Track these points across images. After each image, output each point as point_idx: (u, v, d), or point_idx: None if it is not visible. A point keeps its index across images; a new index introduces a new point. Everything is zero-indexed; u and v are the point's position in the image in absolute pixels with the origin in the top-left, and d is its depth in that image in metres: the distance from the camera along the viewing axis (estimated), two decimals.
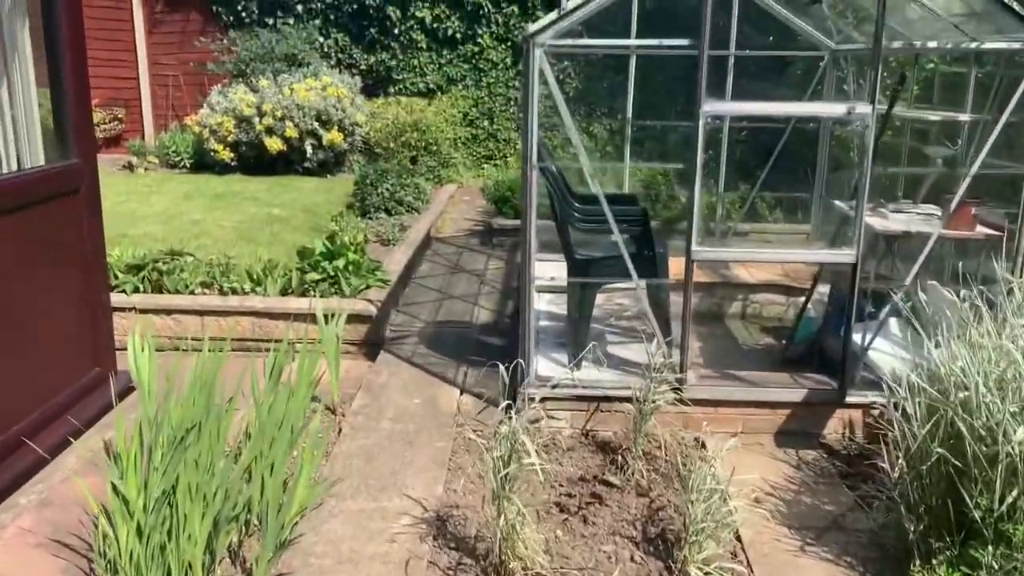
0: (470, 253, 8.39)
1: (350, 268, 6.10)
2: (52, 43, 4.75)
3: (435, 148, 11.81)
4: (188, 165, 12.14)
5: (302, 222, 8.70)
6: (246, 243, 7.64)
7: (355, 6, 12.56)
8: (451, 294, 6.95)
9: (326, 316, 4.94)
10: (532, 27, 4.18)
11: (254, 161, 11.56)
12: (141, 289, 5.93)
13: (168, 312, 5.80)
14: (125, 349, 4.07)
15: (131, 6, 12.78)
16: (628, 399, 4.36)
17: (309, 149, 11.26)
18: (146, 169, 12.04)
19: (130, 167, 12.06)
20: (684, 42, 4.21)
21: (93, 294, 4.75)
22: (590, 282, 4.69)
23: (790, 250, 6.34)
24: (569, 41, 4.27)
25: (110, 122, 13.07)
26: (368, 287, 6.08)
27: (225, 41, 12.07)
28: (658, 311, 4.58)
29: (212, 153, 11.43)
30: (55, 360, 4.29)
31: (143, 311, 5.78)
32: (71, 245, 4.61)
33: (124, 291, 5.87)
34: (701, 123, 4.15)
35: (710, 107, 4.15)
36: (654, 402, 4.12)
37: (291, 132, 11.05)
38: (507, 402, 3.74)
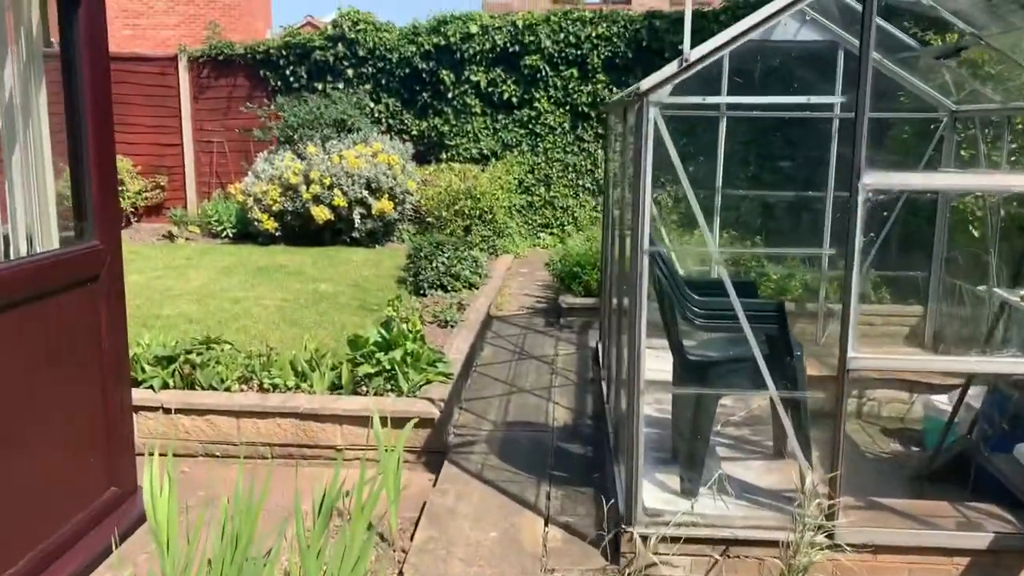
0: (535, 335, 7.55)
1: (408, 360, 5.29)
2: (72, 107, 4.09)
3: (490, 217, 11.11)
4: (230, 235, 11.58)
5: (351, 299, 7.96)
6: (290, 326, 6.90)
7: (407, 70, 12.06)
8: (520, 386, 6.09)
9: (382, 419, 4.12)
10: (645, 82, 3.41)
11: (299, 231, 10.96)
12: (171, 385, 5.17)
13: (200, 413, 5.01)
14: (152, 454, 3.28)
15: (177, 71, 12.43)
16: (765, 543, 3.45)
17: (358, 218, 10.63)
18: (187, 239, 11.50)
19: (170, 237, 11.53)
20: (837, 99, 3.40)
21: (112, 399, 3.99)
22: (711, 392, 3.80)
23: (971, 358, 5.27)
24: (694, 99, 3.48)
25: (152, 190, 12.62)
26: (428, 382, 5.26)
27: (272, 107, 11.61)
28: (799, 431, 3.67)
29: (256, 223, 10.85)
30: (62, 482, 3.52)
31: (172, 411, 5.01)
32: (88, 342, 3.87)
33: (151, 387, 5.12)
34: (860, 198, 3.31)
35: (872, 179, 3.30)
36: (807, 554, 3.20)
37: (339, 200, 10.44)
38: (607, 538, 2.84)
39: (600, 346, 6.58)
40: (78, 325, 3.83)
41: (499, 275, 9.42)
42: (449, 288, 8.41)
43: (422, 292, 8.39)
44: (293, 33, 12.15)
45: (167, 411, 5.02)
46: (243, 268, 9.24)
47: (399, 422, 4.86)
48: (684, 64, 3.34)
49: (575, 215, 12.17)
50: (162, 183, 12.72)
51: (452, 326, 7.08)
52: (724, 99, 3.89)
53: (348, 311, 7.55)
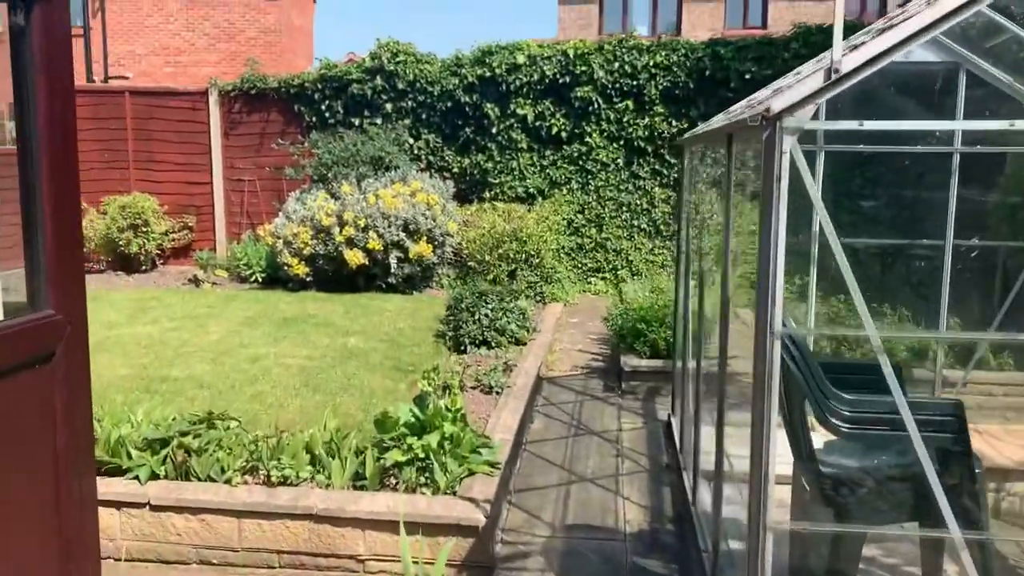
0: (593, 403, 6.56)
1: (446, 447, 4.34)
2: (24, 142, 3.23)
3: (537, 261, 10.18)
4: (260, 279, 10.80)
5: (383, 357, 7.06)
6: (312, 391, 6.00)
7: (448, 104, 11.28)
8: (580, 473, 5.10)
9: (414, 525, 3.16)
10: (777, 102, 2.45)
11: (332, 275, 10.14)
12: (161, 474, 4.27)
13: (194, 511, 4.11)
14: (132, 560, 2.34)
15: (208, 106, 11.81)
16: None
17: (394, 263, 9.78)
18: (213, 284, 10.75)
19: (196, 282, 10.79)
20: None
21: (68, 499, 3.09)
22: (858, 531, 2.78)
23: None
24: (845, 124, 2.52)
25: (179, 231, 11.95)
26: (471, 473, 4.30)
27: (305, 143, 10.88)
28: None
29: (286, 268, 10.06)
30: None
31: (159, 508, 4.11)
32: (37, 433, 2.97)
33: (137, 477, 4.22)
34: None
35: None
36: None
37: (374, 244, 9.61)
38: None
39: (675, 421, 5.56)
40: (24, 414, 2.95)
41: (548, 327, 8.46)
42: (493, 344, 7.47)
43: (463, 349, 7.47)
44: (329, 66, 11.46)
45: (155, 508, 4.13)
46: (268, 319, 8.41)
47: (434, 529, 3.90)
48: (834, 76, 2.37)
49: (630, 259, 11.19)
50: (190, 223, 12.05)
51: (498, 393, 6.12)
52: (907, 124, 2.79)
53: (379, 372, 6.63)
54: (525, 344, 7.68)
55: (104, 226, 11.22)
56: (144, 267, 11.62)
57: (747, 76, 10.55)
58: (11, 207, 3.28)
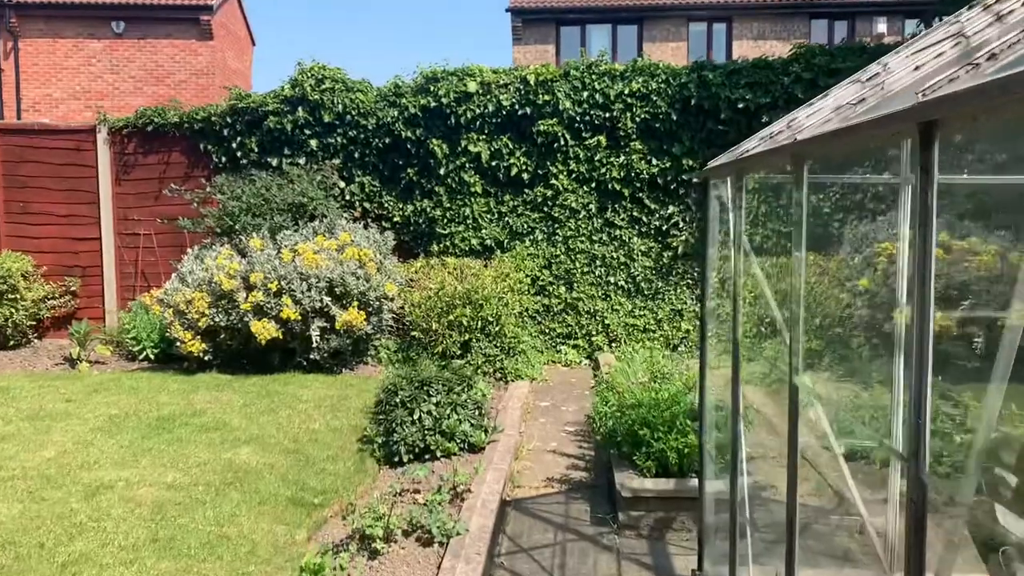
0: (580, 544, 4.57)
1: None
2: None
3: (496, 329, 8.25)
4: (152, 356, 8.69)
5: (281, 481, 5.02)
6: (159, 554, 3.95)
7: (386, 140, 9.40)
8: None
9: None
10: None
11: (238, 352, 8.08)
12: None
13: None
14: None
15: (95, 146, 9.76)
16: None
17: (316, 335, 7.75)
18: (93, 364, 8.59)
19: (71, 362, 8.63)
20: None
21: None
22: None
23: None
24: None
25: (60, 296, 9.78)
26: None
27: (209, 188, 8.87)
28: None
29: (179, 344, 7.97)
30: None
31: None
32: None
33: None
34: None
35: None
36: None
37: (289, 312, 7.59)
38: None
39: None
40: None
41: (513, 420, 6.50)
42: (439, 453, 5.49)
43: (397, 460, 5.47)
44: (240, 96, 9.51)
45: None
46: (138, 418, 6.30)
47: None
48: None
49: (606, 322, 9.31)
50: (73, 288, 9.89)
51: (442, 543, 4.13)
52: None
53: (271, 509, 4.59)
54: (482, 449, 5.70)
55: None
56: (13, 342, 9.41)
57: (740, 105, 8.88)
58: None
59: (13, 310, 9.21)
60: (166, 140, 9.78)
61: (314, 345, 7.84)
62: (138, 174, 9.84)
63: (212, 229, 8.68)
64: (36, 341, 9.78)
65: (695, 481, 4.67)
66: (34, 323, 9.64)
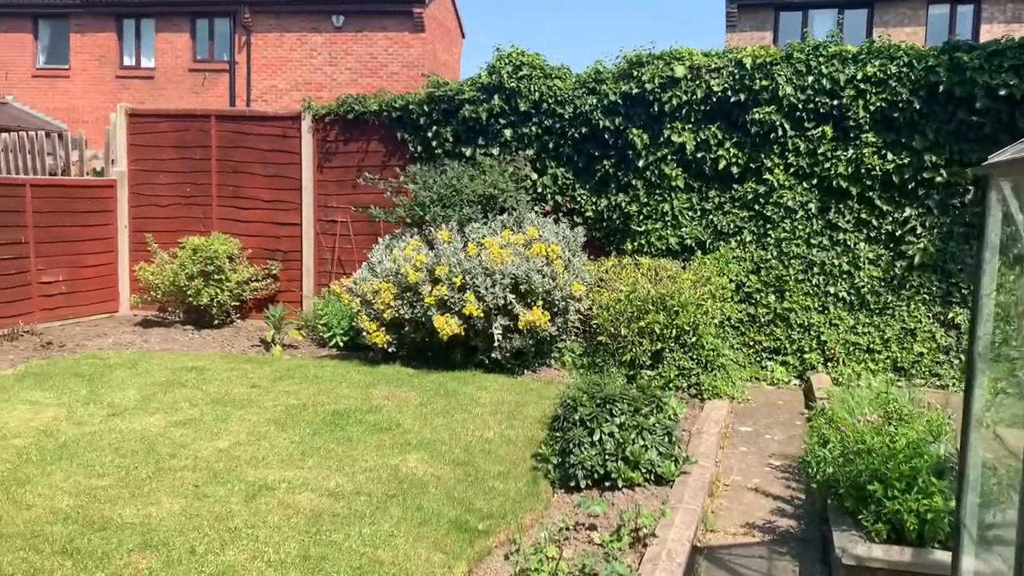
0: None
1: None
2: None
3: (692, 339, 7.46)
4: (341, 344, 8.66)
5: (446, 497, 4.58)
6: (310, 575, 3.61)
7: (583, 130, 8.82)
8: None
9: None
10: None
11: (421, 345, 7.84)
12: None
13: None
14: None
15: (300, 133, 9.93)
16: None
17: (498, 333, 7.34)
18: (285, 348, 8.70)
19: (265, 345, 8.79)
20: None
21: None
22: None
23: None
24: None
25: (262, 279, 10.06)
26: None
27: (403, 177, 8.72)
28: None
29: (365, 334, 7.85)
30: None
31: None
32: None
33: None
34: None
35: None
36: None
37: (472, 308, 7.22)
38: None
39: None
40: None
41: (709, 448, 5.73)
42: (620, 482, 4.85)
43: (573, 484, 4.90)
44: (438, 84, 9.30)
45: None
46: (313, 412, 6.14)
47: None
48: None
49: (822, 338, 8.22)
50: (274, 271, 10.15)
51: None
52: None
53: (431, 529, 4.16)
54: (671, 482, 4.99)
55: (172, 272, 9.47)
56: (217, 321, 9.79)
57: (1001, 92, 7.47)
58: None
59: (219, 290, 9.55)
60: (365, 128, 9.76)
61: (496, 344, 7.44)
62: (338, 162, 9.90)
63: (403, 219, 8.51)
64: (238, 321, 10.14)
65: (939, 554, 3.73)
66: (237, 304, 9.98)
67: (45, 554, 3.79)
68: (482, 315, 7.32)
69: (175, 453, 5.17)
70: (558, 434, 5.20)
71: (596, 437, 4.95)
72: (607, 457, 4.91)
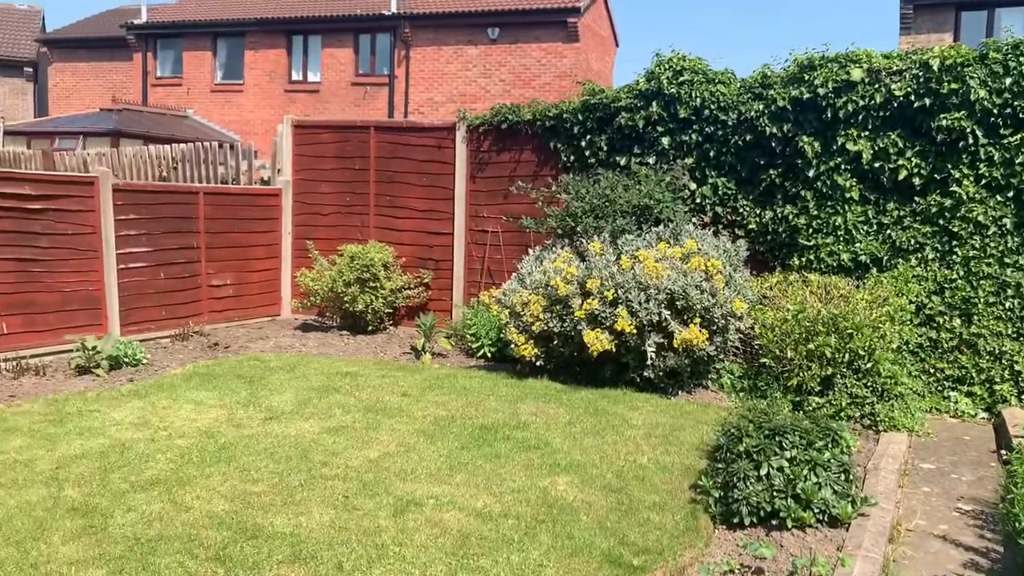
0: None
1: None
2: None
3: (867, 365, 6.84)
4: (488, 355, 8.59)
5: (598, 527, 4.32)
6: None
7: (747, 137, 8.34)
8: None
9: None
10: None
11: (570, 360, 7.62)
12: None
13: None
14: None
15: (454, 144, 9.96)
16: None
17: (651, 351, 7.01)
18: (434, 356, 8.71)
19: (415, 352, 8.83)
20: None
21: None
22: None
23: None
24: None
25: (415, 287, 10.16)
26: None
27: (555, 187, 8.55)
28: None
29: (512, 346, 7.71)
30: None
31: None
32: None
33: None
34: None
35: None
36: None
37: (624, 324, 6.92)
38: None
39: None
40: None
41: (887, 485, 5.18)
42: (789, 522, 4.42)
43: (736, 520, 4.51)
44: (593, 91, 9.07)
45: None
46: (462, 424, 6.04)
47: None
48: None
49: (1015, 367, 7.36)
50: (426, 280, 10.23)
51: None
52: None
53: (582, 562, 3.91)
54: (846, 524, 4.51)
55: (330, 278, 9.72)
56: (371, 328, 9.96)
57: None
58: None
59: (373, 297, 9.71)
60: (518, 138, 9.67)
61: (648, 362, 7.10)
62: (490, 171, 9.86)
63: (554, 230, 8.33)
64: (391, 328, 10.28)
65: None
66: (391, 311, 10.12)
67: (199, 559, 3.83)
68: (634, 331, 7.00)
69: (327, 461, 5.18)
70: (720, 465, 4.82)
71: (763, 471, 4.54)
72: (775, 494, 4.50)
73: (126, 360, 7.94)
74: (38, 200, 8.06)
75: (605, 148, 9.00)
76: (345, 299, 9.70)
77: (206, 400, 6.60)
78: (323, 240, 10.60)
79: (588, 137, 9.09)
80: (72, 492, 4.57)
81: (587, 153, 9.11)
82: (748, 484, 4.53)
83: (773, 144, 8.24)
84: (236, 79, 24.34)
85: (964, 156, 7.55)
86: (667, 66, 8.62)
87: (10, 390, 6.93)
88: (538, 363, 7.69)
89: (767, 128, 8.19)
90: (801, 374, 6.88)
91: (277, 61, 23.85)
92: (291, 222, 10.94)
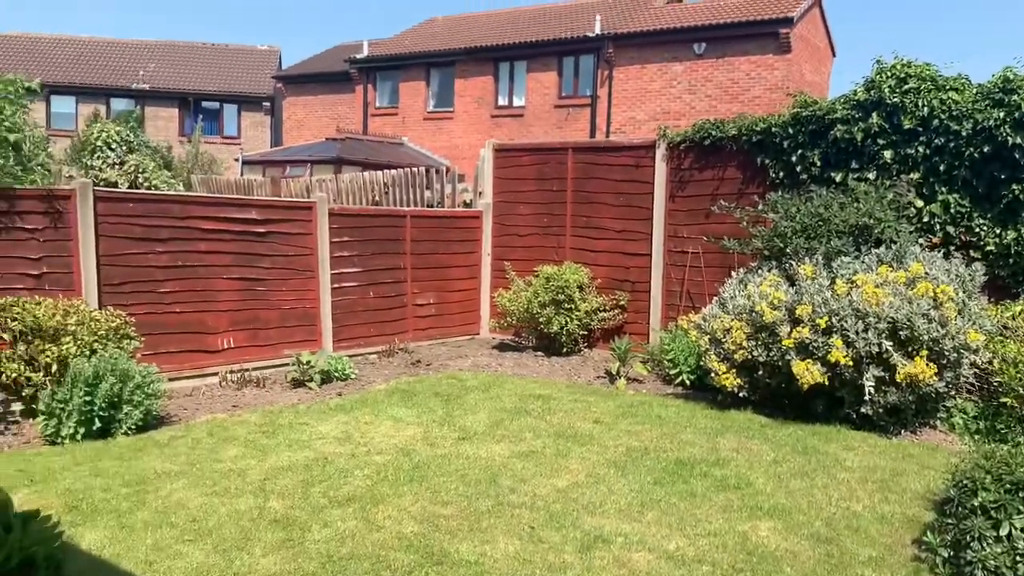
0: None
1: None
2: None
3: None
4: (687, 382, 8.22)
5: None
6: None
7: (984, 149, 7.45)
8: None
9: None
10: None
11: (776, 392, 7.10)
12: None
13: None
14: None
15: (653, 162, 9.69)
16: None
17: (870, 384, 6.36)
18: (629, 382, 8.46)
19: (610, 377, 8.62)
20: None
21: None
22: None
23: None
24: None
25: (610, 309, 9.97)
26: None
27: (761, 206, 8.05)
28: None
29: (712, 375, 7.32)
30: None
31: None
32: None
33: None
34: None
35: None
36: None
37: (838, 355, 6.33)
38: None
39: None
40: None
41: None
42: None
43: None
44: (805, 103, 8.48)
45: None
46: (656, 456, 5.75)
47: None
48: None
49: None
50: (622, 302, 10.00)
51: None
52: None
53: None
54: None
55: (526, 299, 9.76)
56: (565, 349, 9.88)
57: None
58: None
59: (568, 319, 9.63)
60: (722, 154, 9.25)
61: (866, 397, 6.45)
62: (691, 190, 9.50)
63: (760, 251, 7.84)
64: (586, 350, 10.14)
65: None
66: (585, 333, 9.99)
67: None
68: (850, 363, 6.39)
69: (515, 488, 5.10)
70: (949, 520, 4.22)
71: (1004, 531, 3.91)
72: (1018, 559, 3.86)
73: (336, 374, 8.36)
74: (263, 224, 8.70)
75: (818, 163, 8.38)
76: (540, 320, 9.70)
77: (404, 417, 6.77)
78: (520, 261, 10.69)
79: (799, 152, 8.51)
80: (276, 504, 4.78)
81: (798, 169, 8.53)
82: (984, 545, 3.92)
83: (1016, 155, 7.29)
84: (446, 107, 25.41)
85: None
86: (889, 74, 7.90)
87: (233, 400, 7.48)
88: (740, 394, 7.24)
89: (1009, 138, 7.26)
90: None
91: (484, 88, 24.64)
92: (490, 243, 11.13)
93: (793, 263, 7.30)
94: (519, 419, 6.75)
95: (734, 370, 7.16)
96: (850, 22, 54.72)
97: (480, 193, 11.31)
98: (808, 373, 6.52)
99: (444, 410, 7.01)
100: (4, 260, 6.83)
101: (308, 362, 8.23)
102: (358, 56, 26.41)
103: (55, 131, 26.40)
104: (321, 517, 4.59)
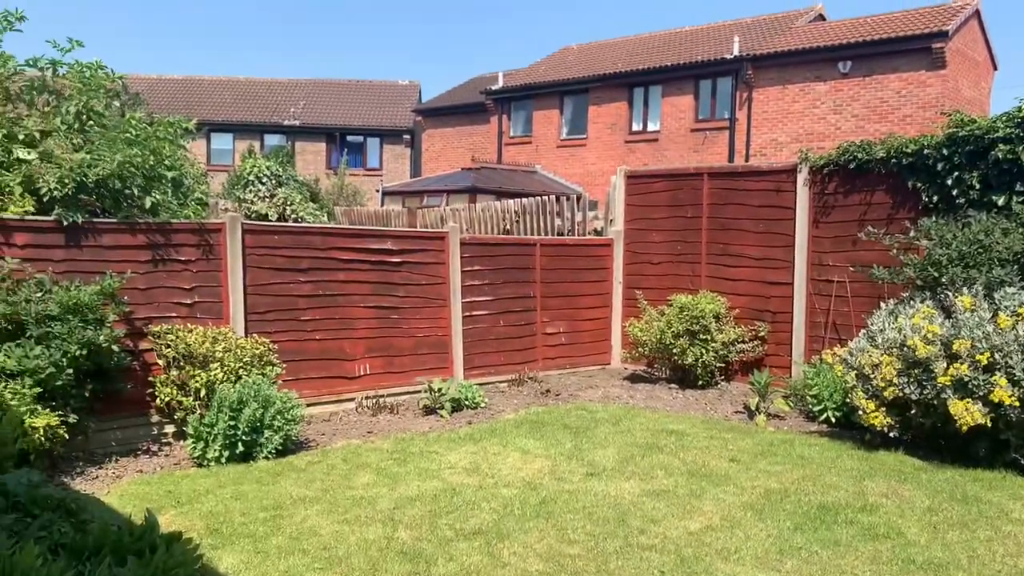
0: None
1: None
2: None
3: None
4: (832, 420, 7.75)
5: None
6: None
7: None
8: None
9: None
10: None
11: (931, 433, 6.57)
12: None
13: None
14: None
15: (795, 187, 9.28)
16: None
17: None
18: (769, 418, 8.07)
19: (748, 412, 8.26)
20: None
21: None
22: None
23: None
24: None
25: (749, 340, 9.58)
26: None
27: (913, 232, 7.52)
28: None
29: (859, 413, 6.86)
30: None
31: None
32: None
33: None
34: None
35: None
36: None
37: (1002, 394, 5.79)
38: None
39: None
40: None
41: None
42: None
43: None
44: (962, 122, 7.89)
45: None
46: (797, 500, 5.42)
47: None
48: None
49: None
50: (762, 333, 9.59)
51: None
52: None
53: None
54: None
55: (658, 329, 9.53)
56: (701, 382, 9.56)
57: None
58: None
59: (704, 350, 9.32)
60: (869, 178, 8.74)
61: None
62: (836, 216, 9.02)
63: (912, 281, 7.32)
64: (723, 383, 9.77)
65: None
66: (722, 365, 9.64)
67: None
68: (1017, 403, 5.83)
69: (644, 529, 4.92)
70: None
71: None
72: None
73: (466, 403, 8.42)
74: (398, 254, 8.92)
75: (977, 186, 7.76)
76: (674, 351, 9.43)
77: (533, 449, 6.71)
78: (652, 290, 10.47)
79: (955, 174, 7.91)
80: (404, 534, 4.81)
81: (954, 192, 7.93)
82: None
83: None
84: (580, 134, 25.48)
85: None
86: None
87: (368, 426, 7.66)
88: (891, 434, 6.74)
89: None
90: None
91: (618, 113, 24.54)
92: (621, 271, 10.96)
93: (949, 294, 6.76)
94: (650, 455, 6.54)
95: (883, 408, 6.69)
96: (1015, 34, 51.00)
97: (611, 220, 11.19)
98: (967, 413, 6.00)
99: (573, 443, 6.90)
100: (161, 290, 7.28)
101: (439, 390, 8.33)
102: (493, 87, 26.94)
103: (214, 166, 28.32)
104: (447, 550, 4.57)
